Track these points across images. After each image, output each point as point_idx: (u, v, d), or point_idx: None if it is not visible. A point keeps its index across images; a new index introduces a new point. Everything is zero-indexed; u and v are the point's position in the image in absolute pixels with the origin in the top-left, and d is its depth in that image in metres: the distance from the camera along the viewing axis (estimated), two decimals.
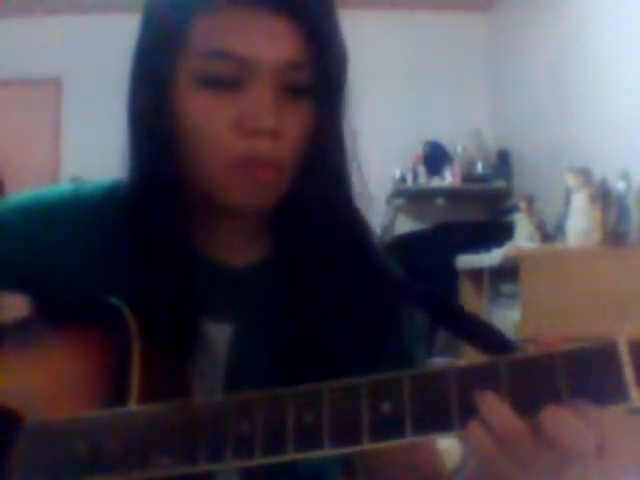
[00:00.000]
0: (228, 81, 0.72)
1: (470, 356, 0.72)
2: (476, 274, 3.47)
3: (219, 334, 0.80)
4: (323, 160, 0.77)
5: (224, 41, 0.72)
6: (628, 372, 0.52)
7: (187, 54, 0.73)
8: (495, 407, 0.55)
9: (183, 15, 0.73)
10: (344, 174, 0.80)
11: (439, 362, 3.04)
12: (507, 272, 3.06)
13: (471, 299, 3.54)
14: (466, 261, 3.57)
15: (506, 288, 3.22)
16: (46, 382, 0.72)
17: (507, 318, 3.05)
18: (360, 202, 0.82)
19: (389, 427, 0.57)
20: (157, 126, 0.75)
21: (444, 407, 0.56)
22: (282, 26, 0.72)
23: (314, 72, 0.73)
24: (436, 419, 0.57)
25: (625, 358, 0.52)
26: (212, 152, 0.74)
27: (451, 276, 3.65)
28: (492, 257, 3.17)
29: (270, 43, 0.72)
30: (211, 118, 0.73)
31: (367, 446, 0.58)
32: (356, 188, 0.81)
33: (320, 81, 0.74)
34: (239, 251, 0.84)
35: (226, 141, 0.73)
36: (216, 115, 0.73)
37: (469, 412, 0.56)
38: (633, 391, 0.52)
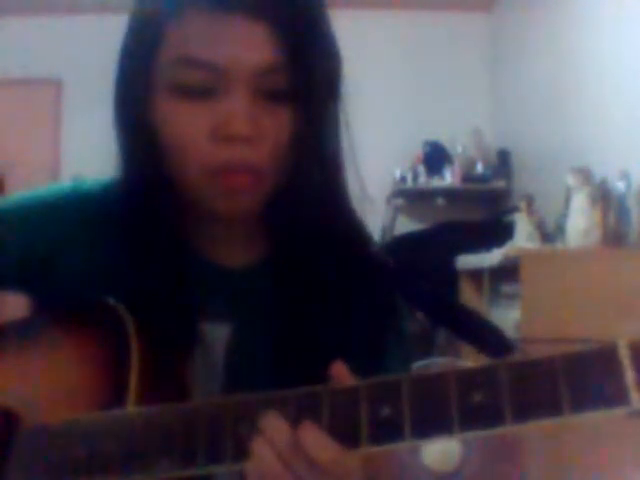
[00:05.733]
0: (201, 89, 0.72)
1: (470, 357, 0.72)
2: (476, 274, 3.46)
3: (217, 334, 0.80)
4: (308, 164, 0.76)
5: (194, 48, 0.71)
6: (629, 375, 0.52)
7: (161, 62, 0.73)
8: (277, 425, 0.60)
9: (156, 21, 0.73)
10: (332, 176, 0.79)
11: (439, 363, 3.04)
12: (507, 272, 3.05)
13: (471, 299, 3.54)
14: (466, 261, 3.57)
15: (506, 288, 3.22)
16: (45, 383, 0.73)
17: (507, 318, 3.04)
18: (358, 202, 0.82)
19: (388, 430, 0.57)
20: (138, 133, 0.76)
21: (443, 410, 0.56)
22: (257, 30, 0.70)
23: (293, 76, 0.72)
24: (435, 422, 0.57)
25: (626, 361, 0.52)
26: (190, 160, 0.74)
27: (451, 276, 3.64)
28: (492, 257, 3.16)
29: (243, 48, 0.71)
30: (187, 127, 0.73)
31: (366, 449, 0.58)
32: (353, 189, 0.81)
33: (300, 85, 0.73)
34: (236, 251, 0.84)
35: (203, 149, 0.73)
36: (192, 124, 0.72)
37: (469, 415, 0.56)
38: (634, 394, 0.52)
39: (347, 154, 0.80)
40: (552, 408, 0.54)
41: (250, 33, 0.70)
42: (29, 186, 0.88)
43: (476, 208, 4.71)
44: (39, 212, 0.82)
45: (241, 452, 0.61)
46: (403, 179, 4.62)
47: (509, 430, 0.54)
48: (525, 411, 0.55)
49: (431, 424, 0.57)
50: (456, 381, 0.57)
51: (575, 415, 0.53)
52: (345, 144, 0.80)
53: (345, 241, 0.81)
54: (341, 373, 0.62)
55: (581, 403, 0.53)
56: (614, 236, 2.88)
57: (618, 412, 0.52)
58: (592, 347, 0.54)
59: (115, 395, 0.68)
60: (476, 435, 0.55)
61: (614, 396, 0.52)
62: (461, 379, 0.57)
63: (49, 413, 0.69)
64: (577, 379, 0.54)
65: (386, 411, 0.58)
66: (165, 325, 0.74)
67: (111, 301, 0.74)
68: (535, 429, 0.53)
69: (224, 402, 0.65)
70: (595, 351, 0.54)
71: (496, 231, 3.73)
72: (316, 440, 0.59)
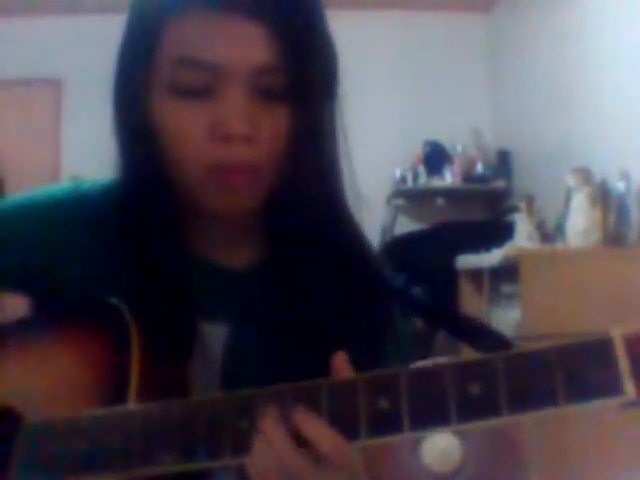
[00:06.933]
0: (199, 89, 0.72)
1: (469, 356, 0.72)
2: (476, 274, 3.46)
3: (215, 334, 0.81)
4: (305, 163, 0.76)
5: (192, 48, 0.71)
6: (623, 366, 0.52)
7: (159, 62, 0.73)
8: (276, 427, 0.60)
9: (154, 22, 0.73)
10: (328, 176, 0.79)
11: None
12: (507, 272, 3.05)
13: (471, 299, 3.54)
14: (466, 261, 3.57)
15: (506, 288, 3.22)
16: (46, 381, 0.73)
17: (507, 318, 3.04)
18: (355, 202, 0.82)
19: (387, 422, 0.58)
20: (137, 132, 0.76)
21: (441, 402, 0.57)
22: (254, 30, 0.71)
23: (290, 75, 0.72)
24: (433, 414, 0.57)
25: (620, 352, 0.53)
26: (189, 159, 0.74)
27: (451, 276, 3.64)
28: (492, 257, 3.16)
29: (240, 48, 0.71)
30: (185, 126, 0.73)
31: (365, 441, 0.58)
32: (350, 189, 0.81)
33: (297, 84, 0.73)
34: (235, 251, 0.84)
35: (201, 149, 0.73)
36: (190, 123, 0.73)
37: (466, 407, 0.56)
38: (628, 384, 0.52)
39: (344, 153, 0.81)
40: (548, 399, 0.54)
41: (247, 33, 0.71)
42: (29, 186, 0.89)
43: (476, 208, 4.71)
44: (38, 213, 0.82)
45: (241, 447, 0.61)
46: (403, 179, 4.63)
47: (506, 421, 0.55)
48: (521, 402, 0.55)
49: (429, 416, 0.57)
50: (453, 373, 0.57)
51: (570, 406, 0.54)
52: (342, 144, 0.80)
53: (342, 243, 0.81)
54: (342, 365, 0.63)
55: (576, 394, 0.54)
56: (614, 236, 2.89)
57: (613, 402, 0.53)
58: (587, 338, 0.54)
59: (116, 394, 0.68)
60: (473, 426, 0.56)
61: (608, 387, 0.53)
62: (458, 371, 0.57)
63: (50, 411, 0.70)
64: (572, 370, 0.54)
65: (384, 403, 0.58)
66: (165, 324, 0.75)
67: (113, 300, 0.74)
68: (531, 420, 0.54)
69: (224, 397, 0.65)
70: (589, 342, 0.54)
71: (496, 231, 3.72)
72: (317, 430, 0.59)
